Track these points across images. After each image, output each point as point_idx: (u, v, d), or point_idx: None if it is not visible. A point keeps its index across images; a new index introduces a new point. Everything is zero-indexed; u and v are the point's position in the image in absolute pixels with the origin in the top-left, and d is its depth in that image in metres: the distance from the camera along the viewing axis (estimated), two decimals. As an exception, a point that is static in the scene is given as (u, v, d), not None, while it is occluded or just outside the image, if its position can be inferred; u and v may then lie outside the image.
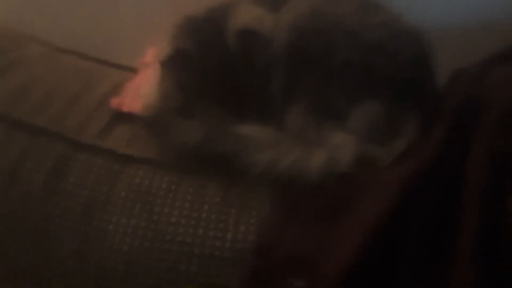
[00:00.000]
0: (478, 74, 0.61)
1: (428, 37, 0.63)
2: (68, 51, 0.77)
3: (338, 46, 0.60)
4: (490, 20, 0.76)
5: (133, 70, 0.75)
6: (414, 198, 0.54)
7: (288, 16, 0.64)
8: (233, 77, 0.62)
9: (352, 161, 0.58)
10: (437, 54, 0.64)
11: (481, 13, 0.77)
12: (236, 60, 0.63)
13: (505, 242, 0.49)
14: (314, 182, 0.57)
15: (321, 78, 0.61)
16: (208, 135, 0.61)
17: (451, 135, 0.56)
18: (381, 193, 0.55)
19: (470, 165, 0.53)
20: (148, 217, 0.59)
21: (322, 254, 0.54)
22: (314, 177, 0.58)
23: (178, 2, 0.66)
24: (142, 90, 0.69)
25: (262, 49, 0.62)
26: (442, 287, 0.51)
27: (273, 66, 0.62)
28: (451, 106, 0.59)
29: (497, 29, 0.75)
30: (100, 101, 0.68)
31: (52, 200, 0.61)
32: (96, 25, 0.85)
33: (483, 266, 0.49)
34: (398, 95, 0.61)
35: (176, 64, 0.64)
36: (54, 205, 0.60)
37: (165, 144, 0.63)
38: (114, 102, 0.68)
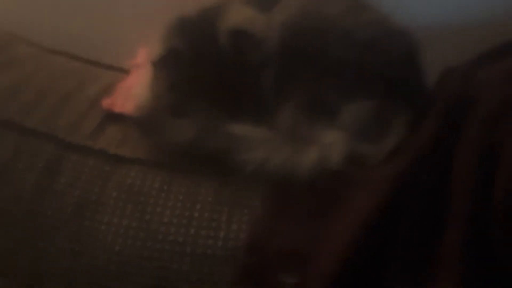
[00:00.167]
0: (467, 73, 0.62)
1: (417, 36, 0.64)
2: (59, 52, 0.77)
3: (329, 45, 0.61)
4: (480, 19, 0.77)
5: (125, 71, 0.75)
6: (404, 195, 0.54)
7: (280, 16, 0.64)
8: (225, 76, 0.63)
9: (343, 159, 0.59)
10: (426, 52, 0.64)
11: (471, 12, 0.78)
12: (228, 60, 0.63)
13: (494, 238, 0.49)
14: (306, 180, 0.58)
15: (313, 77, 0.61)
16: (200, 134, 0.61)
17: (440, 133, 0.57)
18: (371, 190, 0.55)
19: (459, 161, 0.54)
20: (140, 217, 0.59)
21: (313, 251, 0.54)
22: (306, 175, 0.58)
23: (170, 2, 0.66)
24: (134, 91, 0.69)
25: (254, 49, 0.62)
26: (431, 284, 0.51)
27: (265, 66, 0.62)
28: (441, 104, 0.59)
29: (487, 28, 0.75)
30: (91, 102, 0.68)
31: (43, 201, 0.60)
32: (88, 27, 0.85)
33: (470, 263, 0.49)
34: (389, 93, 0.61)
35: (168, 64, 0.64)
36: (46, 205, 0.60)
37: (157, 144, 0.63)
38: (106, 102, 0.68)
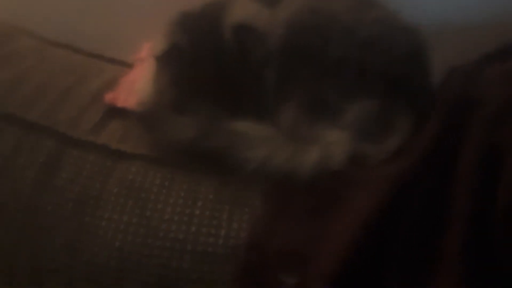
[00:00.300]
0: (472, 72, 0.61)
1: (424, 34, 0.63)
2: (62, 45, 0.76)
3: (333, 42, 0.60)
4: (486, 18, 0.76)
5: (128, 65, 0.75)
6: (405, 195, 0.54)
7: (284, 12, 0.63)
8: (228, 73, 0.62)
9: (345, 159, 0.58)
10: (433, 51, 0.64)
11: (477, 11, 0.77)
12: (231, 56, 0.62)
13: (495, 238, 0.49)
14: (307, 179, 0.57)
15: (316, 75, 0.60)
16: (202, 131, 0.61)
17: (443, 133, 0.56)
18: (372, 190, 0.55)
19: (462, 162, 0.53)
20: (140, 214, 0.58)
21: (314, 250, 0.54)
22: (307, 174, 0.57)
23: (174, -3, 0.66)
24: (136, 85, 0.68)
25: (257, 45, 0.62)
26: (432, 284, 0.51)
27: (268, 62, 0.62)
28: (445, 103, 0.59)
29: (493, 27, 0.75)
30: (93, 96, 0.68)
31: (43, 196, 0.60)
32: (90, 20, 0.85)
33: (471, 263, 0.49)
34: (392, 92, 0.60)
35: (171, 60, 0.64)
36: (46, 201, 0.60)
37: (158, 140, 0.63)
38: (108, 97, 0.68)
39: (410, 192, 0.54)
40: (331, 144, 0.59)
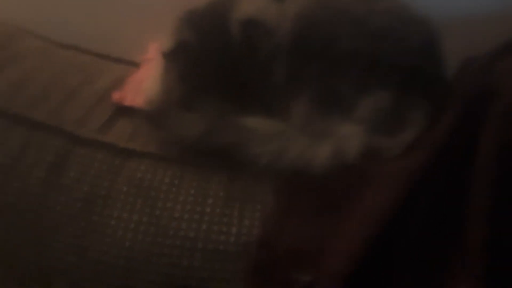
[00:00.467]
0: (487, 63, 0.60)
1: (437, 25, 0.62)
2: (67, 45, 0.76)
3: (343, 34, 0.59)
4: (501, 9, 0.75)
5: (135, 65, 0.74)
6: (420, 190, 0.53)
7: (293, 6, 0.63)
8: (237, 68, 0.61)
9: (359, 153, 0.57)
10: (446, 42, 0.62)
11: (492, 1, 0.76)
12: (239, 51, 0.62)
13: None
14: (320, 174, 0.56)
15: (327, 68, 0.59)
16: (211, 127, 0.60)
17: (459, 125, 0.55)
18: (387, 184, 0.54)
19: (479, 155, 0.52)
20: (150, 212, 0.58)
21: (327, 247, 0.53)
22: (320, 169, 0.56)
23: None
24: (144, 84, 0.68)
25: (266, 39, 0.61)
26: (449, 279, 0.49)
27: (277, 57, 0.61)
28: (460, 95, 0.58)
29: (508, 18, 0.73)
30: (100, 96, 0.67)
31: (52, 195, 0.59)
32: (96, 20, 0.85)
33: (493, 258, 0.48)
34: (406, 84, 0.59)
35: (179, 56, 0.64)
36: (54, 200, 0.59)
37: (167, 138, 0.62)
38: (116, 96, 0.67)
39: (425, 187, 0.53)
40: (344, 138, 0.58)
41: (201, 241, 0.56)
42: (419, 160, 0.54)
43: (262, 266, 0.54)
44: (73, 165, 0.60)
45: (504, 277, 0.48)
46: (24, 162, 0.61)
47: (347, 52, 0.59)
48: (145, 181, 0.59)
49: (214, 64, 0.62)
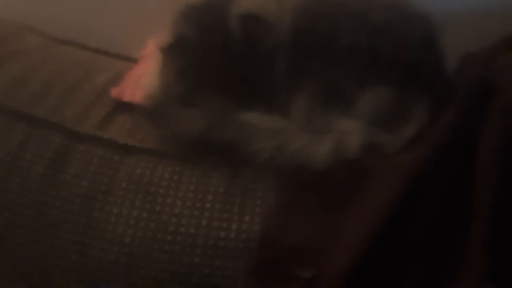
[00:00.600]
0: (488, 58, 0.60)
1: (438, 20, 0.62)
2: (67, 41, 0.76)
3: (344, 29, 0.59)
4: (501, 4, 0.75)
5: (134, 61, 0.74)
6: (423, 185, 0.52)
7: (292, 0, 0.62)
8: (236, 63, 0.61)
9: (360, 148, 0.57)
10: (446, 37, 0.62)
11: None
12: (239, 46, 0.61)
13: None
14: (321, 170, 0.56)
15: (327, 63, 0.59)
16: (211, 123, 0.60)
17: (461, 119, 0.55)
18: (390, 179, 0.54)
19: (481, 149, 0.52)
20: (150, 208, 0.58)
21: (330, 243, 0.53)
22: (321, 164, 0.56)
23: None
24: (143, 80, 0.67)
25: (265, 34, 0.61)
26: (453, 275, 0.49)
27: (276, 52, 0.60)
28: (461, 90, 0.57)
29: (508, 13, 0.73)
30: (99, 92, 0.67)
31: (51, 192, 0.59)
32: (96, 17, 0.84)
33: (497, 254, 0.48)
34: (407, 79, 0.59)
35: (178, 51, 0.63)
36: (54, 196, 0.59)
37: (167, 134, 0.62)
38: (115, 92, 0.67)
39: (428, 183, 0.52)
40: (345, 133, 0.57)
41: (201, 237, 0.56)
42: (422, 155, 0.54)
43: (264, 263, 0.54)
44: (73, 161, 0.60)
45: (508, 272, 0.48)
46: (24, 158, 0.61)
47: (347, 48, 0.59)
48: (145, 177, 0.59)
49: (213, 59, 0.62)
